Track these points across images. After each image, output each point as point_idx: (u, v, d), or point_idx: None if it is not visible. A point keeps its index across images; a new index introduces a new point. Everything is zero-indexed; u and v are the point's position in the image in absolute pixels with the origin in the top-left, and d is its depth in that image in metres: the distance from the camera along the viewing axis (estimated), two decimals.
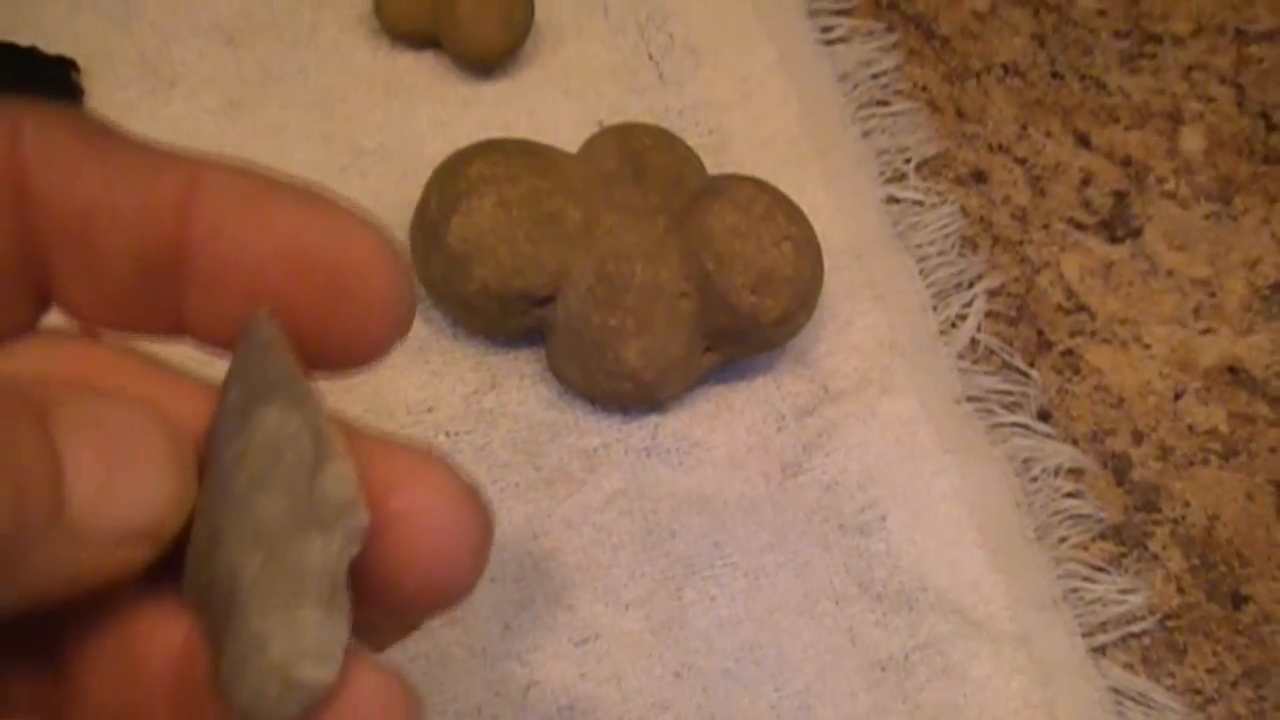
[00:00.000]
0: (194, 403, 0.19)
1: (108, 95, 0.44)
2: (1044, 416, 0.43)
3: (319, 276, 0.18)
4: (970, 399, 0.42)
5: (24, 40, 0.43)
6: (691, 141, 0.43)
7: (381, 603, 0.19)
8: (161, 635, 0.18)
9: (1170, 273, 0.45)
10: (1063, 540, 0.40)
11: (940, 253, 0.45)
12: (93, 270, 0.18)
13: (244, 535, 0.17)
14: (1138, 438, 0.42)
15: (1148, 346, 0.44)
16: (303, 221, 0.18)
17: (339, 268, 0.18)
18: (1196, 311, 0.45)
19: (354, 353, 0.19)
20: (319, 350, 0.19)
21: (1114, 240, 0.46)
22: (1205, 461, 0.42)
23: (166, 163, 0.18)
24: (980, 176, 0.47)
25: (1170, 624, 0.40)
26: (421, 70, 0.46)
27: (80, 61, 0.43)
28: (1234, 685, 0.39)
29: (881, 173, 0.46)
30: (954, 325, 0.44)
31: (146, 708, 0.18)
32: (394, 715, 0.18)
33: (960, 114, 0.48)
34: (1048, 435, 0.42)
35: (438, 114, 0.45)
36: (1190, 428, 0.43)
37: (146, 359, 0.19)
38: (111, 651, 0.18)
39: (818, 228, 0.40)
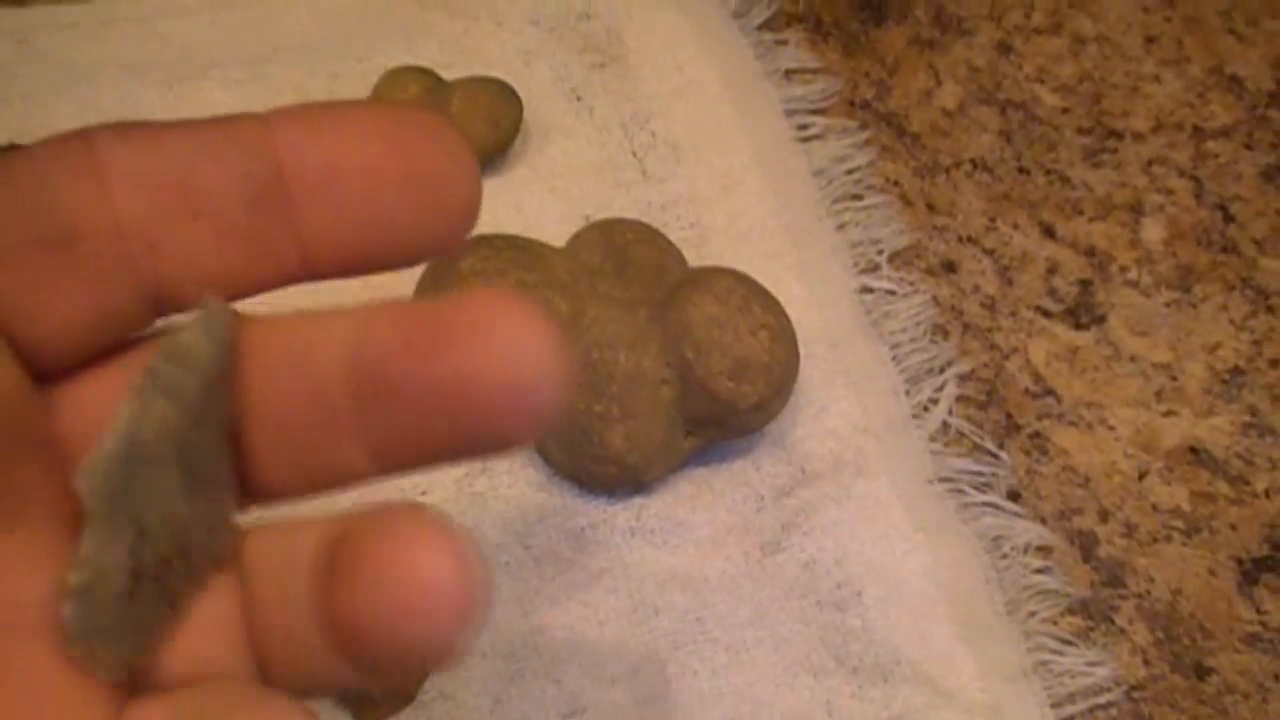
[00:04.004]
0: None
1: None
2: (1013, 496, 0.44)
3: (397, 177, 0.20)
4: (942, 480, 0.44)
5: None
6: (673, 235, 0.45)
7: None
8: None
9: (1133, 358, 0.47)
10: (1032, 614, 0.42)
11: (912, 340, 0.47)
12: (206, 220, 0.19)
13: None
14: (1103, 516, 0.44)
15: (1112, 428, 0.46)
16: (371, 126, 0.20)
17: (420, 168, 0.20)
18: (1159, 395, 0.46)
19: (443, 239, 0.21)
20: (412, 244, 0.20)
21: (1079, 327, 0.48)
22: (1169, 539, 0.44)
23: (232, 116, 0.20)
24: (950, 267, 0.49)
25: (1136, 695, 0.41)
26: None
27: None
28: None
29: (855, 264, 0.48)
30: (926, 409, 0.45)
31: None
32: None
33: (931, 207, 0.50)
34: (1017, 514, 0.44)
35: None
36: (1154, 506, 0.44)
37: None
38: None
39: (794, 317, 0.42)
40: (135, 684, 0.21)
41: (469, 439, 0.20)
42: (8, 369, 0.19)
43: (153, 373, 0.20)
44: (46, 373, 0.20)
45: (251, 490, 0.21)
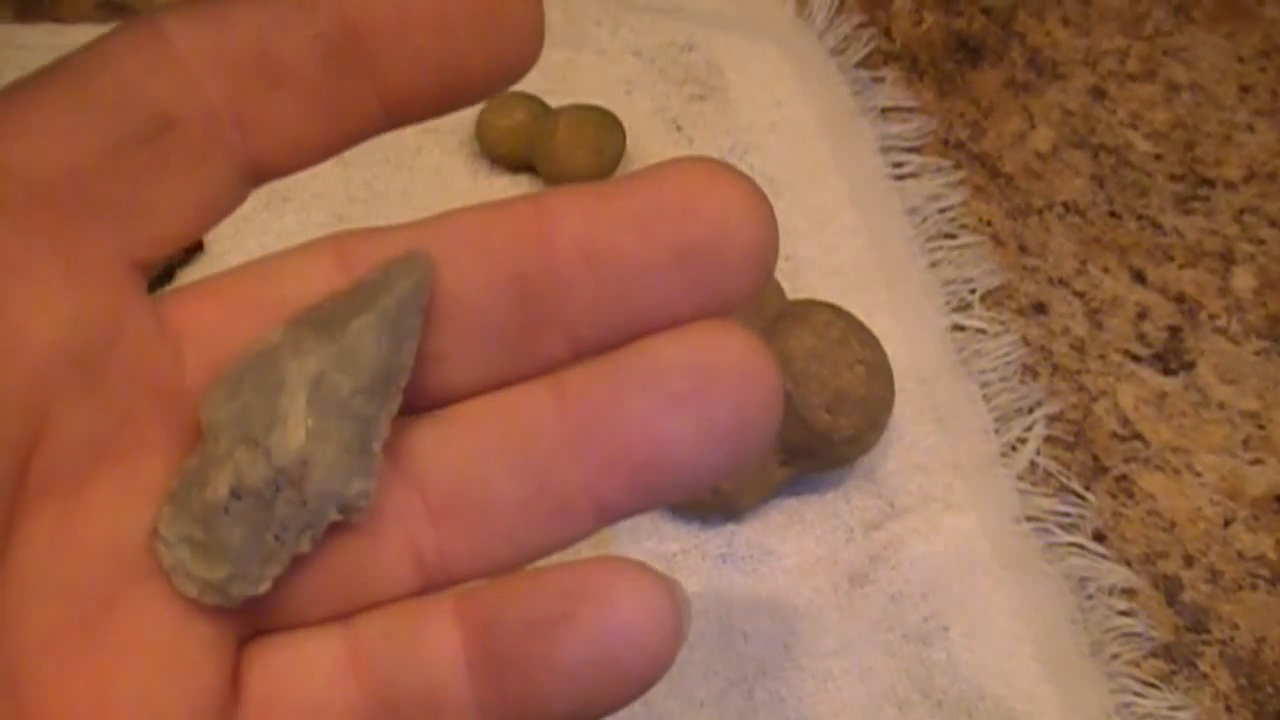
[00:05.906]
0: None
1: None
2: (1099, 538, 0.45)
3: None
4: (1028, 519, 0.44)
5: None
6: None
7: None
8: None
9: (1221, 405, 0.47)
10: (1115, 656, 0.42)
11: (1002, 379, 0.47)
12: (286, 88, 0.20)
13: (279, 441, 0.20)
14: (1188, 561, 0.44)
15: (1199, 475, 0.46)
16: None
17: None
18: (1246, 443, 0.47)
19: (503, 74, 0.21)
20: (475, 77, 0.20)
21: (1167, 372, 0.48)
22: (1253, 586, 0.44)
23: None
24: (1041, 308, 0.49)
25: None
26: (516, 192, 0.49)
27: None
28: None
29: (947, 302, 0.49)
30: (1014, 449, 0.46)
31: None
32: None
33: (1022, 248, 0.51)
34: (1102, 556, 0.44)
35: None
36: (1239, 554, 0.45)
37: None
38: None
39: (885, 352, 0.43)
40: (253, 631, 0.21)
41: (696, 302, 0.21)
42: (135, 309, 0.20)
43: (315, 309, 0.20)
44: (153, 265, 0.20)
45: (434, 394, 0.21)
